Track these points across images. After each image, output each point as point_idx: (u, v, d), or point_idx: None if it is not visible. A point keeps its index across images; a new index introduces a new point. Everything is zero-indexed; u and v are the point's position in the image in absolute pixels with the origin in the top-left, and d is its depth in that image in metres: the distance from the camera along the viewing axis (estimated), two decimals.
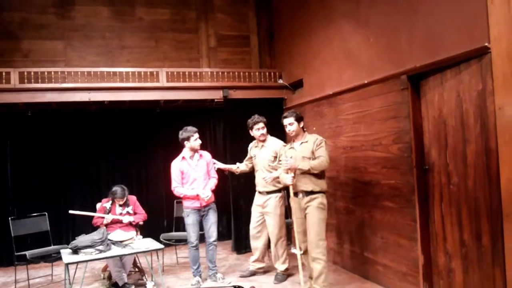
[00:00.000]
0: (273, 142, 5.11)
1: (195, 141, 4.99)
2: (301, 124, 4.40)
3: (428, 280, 4.09)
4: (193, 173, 5.03)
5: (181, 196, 5.04)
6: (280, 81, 6.92)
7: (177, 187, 5.03)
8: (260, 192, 5.16)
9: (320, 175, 4.26)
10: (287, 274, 5.13)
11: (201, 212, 5.03)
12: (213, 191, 5.11)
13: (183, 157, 5.07)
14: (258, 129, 5.06)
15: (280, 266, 5.09)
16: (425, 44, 3.89)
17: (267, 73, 6.97)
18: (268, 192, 5.06)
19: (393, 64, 4.31)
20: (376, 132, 4.65)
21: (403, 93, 4.20)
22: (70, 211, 5.00)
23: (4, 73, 5.66)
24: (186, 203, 5.06)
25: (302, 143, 4.35)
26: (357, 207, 5.07)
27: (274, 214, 5.05)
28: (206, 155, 5.19)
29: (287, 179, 4.28)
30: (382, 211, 4.60)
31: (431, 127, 4.03)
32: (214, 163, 5.22)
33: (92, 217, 5.13)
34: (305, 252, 4.41)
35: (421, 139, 4.13)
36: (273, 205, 5.05)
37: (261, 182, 5.03)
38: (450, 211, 3.85)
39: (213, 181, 5.12)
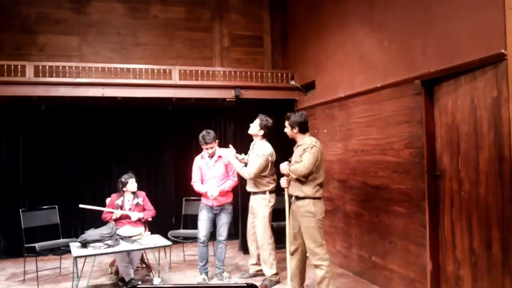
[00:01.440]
0: (260, 146, 5.02)
1: (205, 149, 5.04)
2: (295, 130, 4.24)
3: (436, 287, 4.05)
4: (209, 172, 5.08)
5: (197, 191, 5.13)
6: (292, 82, 6.92)
7: (195, 183, 5.12)
8: (250, 193, 5.18)
9: (307, 182, 4.09)
10: (276, 280, 4.97)
11: (214, 211, 5.07)
12: (231, 192, 5.15)
13: (202, 156, 5.15)
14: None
15: (267, 271, 4.96)
16: (440, 49, 3.87)
17: (279, 74, 6.98)
18: (254, 193, 5.08)
19: (407, 69, 4.29)
20: (387, 136, 4.63)
21: (416, 98, 4.18)
22: (81, 205, 5.05)
23: (19, 67, 5.74)
24: (202, 199, 5.15)
25: (298, 146, 4.30)
26: (366, 211, 5.05)
27: (258, 215, 5.01)
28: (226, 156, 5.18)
29: (282, 181, 4.33)
30: (391, 216, 4.58)
31: (444, 133, 4.00)
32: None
33: (102, 211, 5.17)
34: (293, 254, 4.36)
35: (433, 144, 4.10)
36: (258, 206, 5.03)
37: (249, 183, 5.10)
38: (460, 218, 3.81)
39: (229, 183, 5.11)
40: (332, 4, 5.81)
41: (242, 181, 6.11)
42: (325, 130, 6.03)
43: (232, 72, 6.80)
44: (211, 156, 5.10)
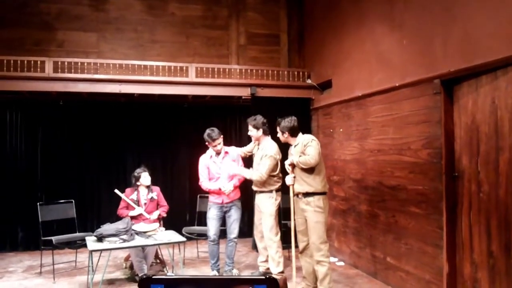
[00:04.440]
0: (266, 146, 5.00)
1: (213, 147, 5.01)
2: (286, 135, 4.47)
3: None
4: (217, 171, 5.07)
5: (207, 190, 5.09)
6: (309, 81, 6.89)
7: (204, 182, 5.09)
8: (255, 192, 5.14)
9: (313, 176, 4.24)
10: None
11: (224, 208, 5.06)
12: (238, 188, 5.13)
13: (210, 156, 5.12)
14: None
15: (274, 269, 4.93)
16: (461, 48, 3.81)
17: (295, 73, 6.96)
18: (260, 192, 5.02)
19: (426, 68, 4.23)
20: (405, 136, 4.58)
21: (435, 97, 4.12)
22: (116, 190, 5.14)
23: (39, 62, 5.83)
24: (210, 198, 5.13)
25: (295, 146, 4.44)
26: (381, 211, 5.00)
27: (264, 214, 4.95)
28: (233, 152, 5.18)
29: (288, 179, 4.42)
30: (408, 217, 4.53)
31: (463, 133, 3.94)
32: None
33: (117, 205, 5.21)
34: (303, 252, 4.45)
35: (452, 145, 4.04)
36: (263, 205, 4.97)
37: (255, 181, 5.02)
38: (478, 220, 3.75)
39: (239, 177, 5.11)
40: (350, 3, 5.77)
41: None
42: (341, 129, 5.99)
43: (248, 70, 6.81)
44: (218, 153, 5.09)
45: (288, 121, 4.46)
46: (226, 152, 5.13)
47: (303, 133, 4.50)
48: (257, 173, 4.88)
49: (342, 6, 5.99)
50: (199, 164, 5.17)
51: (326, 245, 4.25)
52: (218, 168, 5.08)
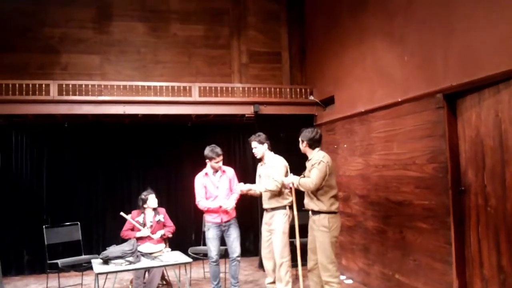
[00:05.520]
0: (273, 159, 4.95)
1: (216, 163, 4.98)
2: (304, 144, 4.41)
3: None
4: (215, 190, 5.02)
5: (205, 209, 5.03)
6: (311, 98, 6.91)
7: (201, 201, 5.02)
8: (265, 209, 5.01)
9: (320, 195, 4.19)
10: None
11: (222, 227, 5.00)
12: (235, 207, 5.08)
13: (206, 173, 5.09)
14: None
15: None
16: (462, 62, 3.82)
17: (298, 90, 6.99)
18: (273, 209, 4.89)
19: (428, 83, 4.24)
20: (409, 151, 4.56)
21: (438, 112, 4.12)
22: (122, 213, 5.12)
23: (44, 85, 5.88)
24: (207, 217, 5.05)
25: (308, 160, 4.41)
26: (388, 227, 4.95)
27: (278, 232, 4.82)
28: (229, 171, 5.16)
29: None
30: (415, 232, 4.48)
31: (468, 147, 3.93)
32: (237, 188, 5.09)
33: (122, 227, 5.20)
34: (311, 270, 4.40)
35: (457, 159, 4.03)
36: (277, 223, 4.84)
37: (266, 199, 4.94)
38: (487, 235, 3.71)
39: (235, 196, 5.07)
40: (350, 19, 5.82)
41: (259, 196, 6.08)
42: (345, 145, 5.98)
43: (251, 88, 6.84)
44: (216, 171, 5.06)
45: (310, 131, 4.40)
46: (224, 171, 5.10)
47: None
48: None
49: (343, 23, 6.04)
50: (195, 183, 5.10)
51: (334, 265, 4.17)
52: (216, 187, 5.04)
